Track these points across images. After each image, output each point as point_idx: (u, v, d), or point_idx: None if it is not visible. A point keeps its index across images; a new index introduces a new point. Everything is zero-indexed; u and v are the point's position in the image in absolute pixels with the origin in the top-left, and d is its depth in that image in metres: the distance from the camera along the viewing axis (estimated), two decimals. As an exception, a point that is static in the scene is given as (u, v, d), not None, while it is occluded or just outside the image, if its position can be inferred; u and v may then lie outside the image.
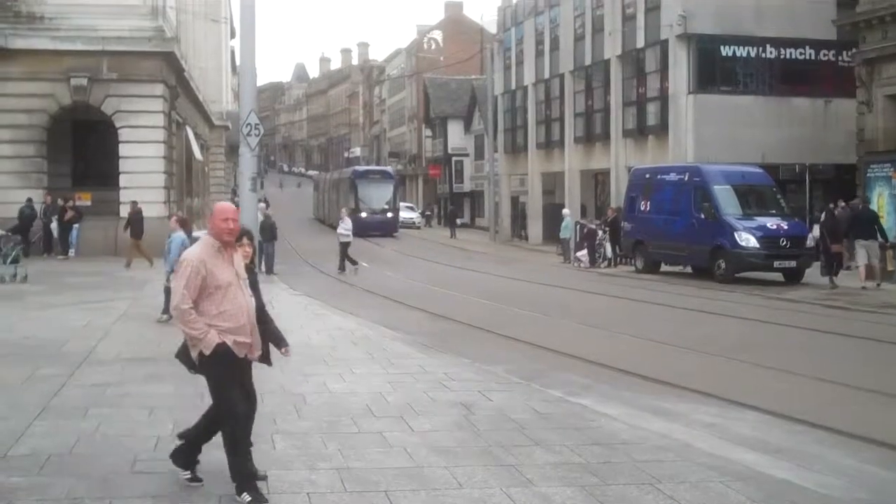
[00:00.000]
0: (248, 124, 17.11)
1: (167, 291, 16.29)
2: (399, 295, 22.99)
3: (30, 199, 29.95)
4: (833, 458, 8.29)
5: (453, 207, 68.89)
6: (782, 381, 12.18)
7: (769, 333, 16.88)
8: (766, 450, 8.46)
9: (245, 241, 7.09)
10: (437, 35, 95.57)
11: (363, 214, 53.63)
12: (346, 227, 30.54)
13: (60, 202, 30.42)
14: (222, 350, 6.49)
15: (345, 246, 30.28)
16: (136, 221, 27.90)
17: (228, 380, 6.58)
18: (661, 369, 12.65)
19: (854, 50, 32.00)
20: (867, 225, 24.26)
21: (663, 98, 38.36)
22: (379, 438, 8.26)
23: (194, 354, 6.61)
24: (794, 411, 9.94)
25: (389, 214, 56.85)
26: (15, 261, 23.57)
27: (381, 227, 54.16)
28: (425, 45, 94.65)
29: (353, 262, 29.99)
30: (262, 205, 30.70)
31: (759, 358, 13.63)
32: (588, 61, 45.03)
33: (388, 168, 68.86)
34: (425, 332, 16.09)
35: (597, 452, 7.86)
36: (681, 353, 14.49)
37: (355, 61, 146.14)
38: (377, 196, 56.56)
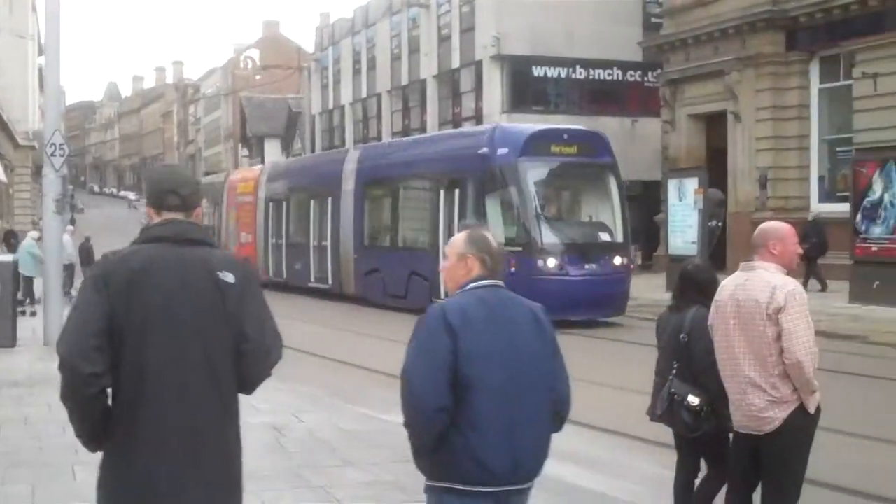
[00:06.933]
0: (53, 144, 16.24)
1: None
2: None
3: None
4: (640, 467, 8.44)
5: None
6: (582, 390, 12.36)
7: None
8: (578, 461, 8.52)
9: None
10: (254, 53, 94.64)
11: (547, 263, 19.60)
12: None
13: None
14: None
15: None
16: None
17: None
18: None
19: (658, 71, 33.21)
20: None
21: (478, 117, 38.80)
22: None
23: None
24: (598, 421, 10.04)
25: (618, 260, 20.48)
26: None
27: (599, 301, 19.81)
28: (242, 64, 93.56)
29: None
30: (71, 227, 29.40)
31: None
32: (405, 81, 45.27)
33: (598, 131, 23.52)
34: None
35: (409, 470, 7.73)
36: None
37: (170, 80, 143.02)
38: (584, 208, 22.32)
